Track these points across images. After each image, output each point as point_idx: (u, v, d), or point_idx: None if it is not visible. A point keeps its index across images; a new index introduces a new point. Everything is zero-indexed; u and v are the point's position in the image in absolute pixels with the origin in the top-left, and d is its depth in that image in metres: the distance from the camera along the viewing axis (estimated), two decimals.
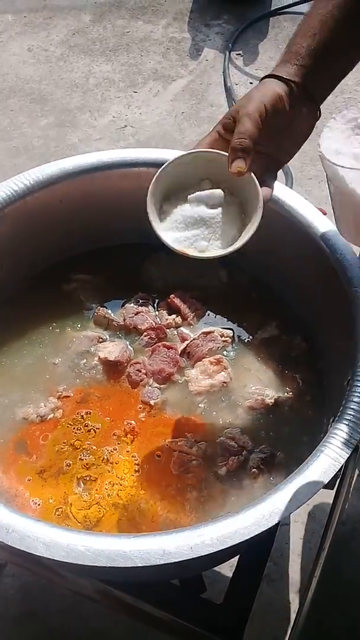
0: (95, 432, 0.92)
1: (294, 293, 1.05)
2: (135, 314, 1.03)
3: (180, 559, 0.64)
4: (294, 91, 0.73)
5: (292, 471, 0.72)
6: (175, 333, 1.03)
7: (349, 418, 0.75)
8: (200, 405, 0.95)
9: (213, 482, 0.87)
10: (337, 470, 0.72)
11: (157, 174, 0.76)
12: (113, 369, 0.98)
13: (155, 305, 1.07)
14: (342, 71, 0.76)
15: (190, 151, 0.76)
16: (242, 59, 2.30)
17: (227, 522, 0.67)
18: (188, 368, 0.99)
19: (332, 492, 0.89)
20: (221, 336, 1.01)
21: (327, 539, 0.85)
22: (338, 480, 0.84)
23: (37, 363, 0.99)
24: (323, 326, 0.99)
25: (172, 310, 1.05)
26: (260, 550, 0.89)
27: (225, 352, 1.00)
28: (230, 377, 0.97)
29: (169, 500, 0.85)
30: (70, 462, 0.89)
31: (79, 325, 1.04)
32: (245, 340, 1.03)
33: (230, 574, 0.90)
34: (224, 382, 0.96)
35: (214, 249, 0.78)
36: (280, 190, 0.98)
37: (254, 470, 0.88)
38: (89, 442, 0.91)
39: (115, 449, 0.90)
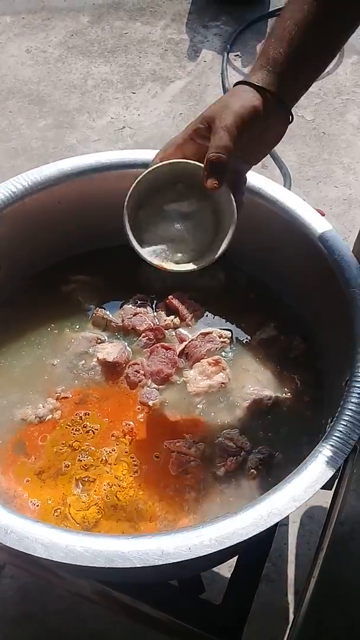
0: (93, 433, 0.92)
1: (292, 294, 1.05)
2: (134, 315, 1.03)
3: (179, 560, 0.64)
4: (269, 100, 0.73)
5: (291, 472, 0.73)
6: (174, 334, 1.03)
7: (347, 419, 0.75)
8: (198, 406, 0.95)
9: (211, 482, 0.88)
10: (335, 470, 0.72)
11: (134, 186, 0.76)
12: (111, 370, 0.98)
13: (153, 306, 1.07)
14: (314, 75, 0.75)
15: (168, 161, 0.76)
16: (241, 60, 2.31)
17: (226, 523, 0.67)
18: (186, 369, 0.99)
19: (331, 493, 0.89)
20: (219, 337, 1.01)
21: (326, 539, 0.85)
22: (336, 480, 0.84)
23: (36, 364, 0.99)
24: (322, 327, 0.99)
25: (171, 311, 1.05)
26: (259, 551, 0.89)
27: (223, 353, 1.01)
28: (229, 378, 0.97)
29: (167, 501, 0.85)
30: (69, 463, 0.89)
31: (78, 327, 1.04)
32: (244, 341, 1.03)
33: (229, 575, 0.90)
34: (223, 383, 0.96)
35: (189, 261, 0.80)
36: (278, 191, 0.99)
37: (253, 470, 0.88)
38: (87, 443, 0.91)
39: (114, 450, 0.90)
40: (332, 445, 0.73)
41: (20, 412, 0.94)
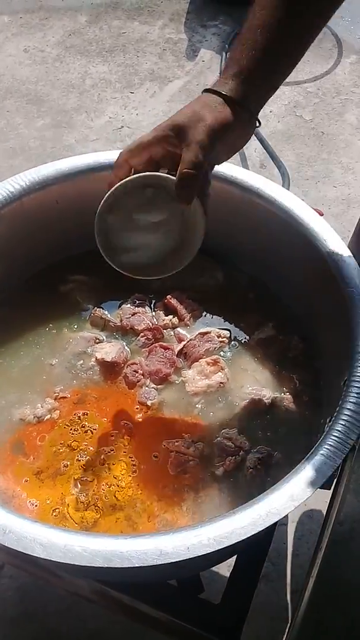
0: (92, 433, 0.92)
1: (291, 293, 1.05)
2: (132, 315, 1.03)
3: (177, 559, 0.64)
4: (238, 111, 0.72)
5: (289, 471, 0.73)
6: (172, 334, 1.03)
7: (345, 418, 0.75)
8: (197, 405, 0.95)
9: (210, 482, 0.88)
10: (334, 470, 0.72)
11: (107, 197, 0.76)
12: (110, 369, 0.98)
13: (152, 306, 1.07)
14: (281, 79, 0.75)
15: (142, 175, 0.75)
16: None
17: (224, 522, 0.67)
18: (185, 369, 0.99)
19: (330, 492, 0.89)
20: (218, 337, 1.01)
21: (325, 538, 0.85)
22: (335, 480, 0.84)
23: (34, 364, 0.99)
24: (320, 326, 0.99)
25: (169, 310, 1.05)
26: (258, 551, 0.89)
27: (222, 353, 1.01)
28: (227, 378, 0.97)
29: (166, 501, 0.85)
30: (68, 463, 0.89)
31: (76, 326, 1.04)
32: (242, 341, 1.03)
33: (228, 574, 0.90)
34: (221, 383, 0.96)
35: (155, 265, 0.83)
36: (276, 191, 0.99)
37: (251, 470, 0.88)
38: (86, 443, 0.91)
39: (113, 450, 0.90)
40: (330, 445, 0.73)
41: (18, 412, 0.94)
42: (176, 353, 0.99)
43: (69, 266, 1.10)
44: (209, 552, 0.65)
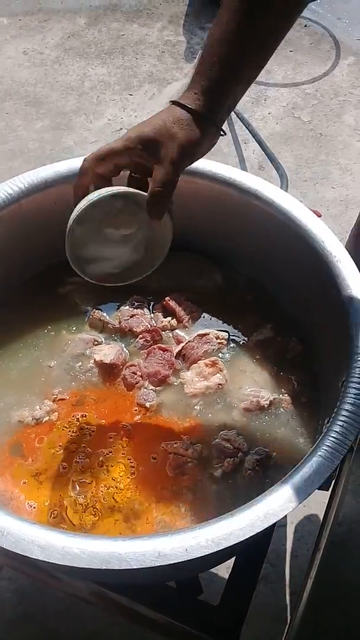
0: (90, 435, 0.92)
1: (289, 295, 1.05)
2: (131, 317, 1.03)
3: (176, 561, 0.64)
4: (206, 125, 0.72)
5: (288, 472, 0.73)
6: (171, 335, 1.03)
7: (343, 419, 0.75)
8: (195, 407, 0.95)
9: (208, 483, 0.88)
10: (332, 471, 0.72)
11: (78, 214, 0.75)
12: (108, 371, 0.98)
13: (150, 307, 1.07)
14: (245, 88, 0.74)
15: (113, 191, 0.74)
16: None
17: (223, 524, 0.67)
18: (183, 370, 0.99)
19: (328, 494, 0.89)
20: (216, 338, 1.01)
21: (323, 539, 0.85)
22: (333, 481, 0.84)
23: (33, 366, 0.99)
24: (318, 328, 0.99)
25: (168, 312, 1.05)
26: (257, 552, 0.89)
27: (220, 354, 1.01)
28: (226, 379, 0.97)
29: (164, 503, 0.85)
30: (66, 465, 0.89)
31: (74, 328, 1.04)
32: (241, 342, 1.03)
33: (226, 576, 0.90)
34: (220, 384, 0.96)
35: (126, 274, 0.84)
36: (274, 193, 0.99)
37: (250, 471, 0.88)
38: (84, 445, 0.91)
39: (111, 452, 0.90)
40: (328, 446, 0.73)
41: (17, 414, 0.94)
42: (175, 355, 0.99)
43: (67, 268, 1.09)
44: (207, 553, 0.65)
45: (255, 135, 1.95)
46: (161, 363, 0.98)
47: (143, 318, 1.03)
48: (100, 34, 2.45)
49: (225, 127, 0.75)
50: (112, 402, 0.95)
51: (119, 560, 0.64)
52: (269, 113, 2.16)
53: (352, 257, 0.90)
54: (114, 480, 0.87)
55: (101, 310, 1.05)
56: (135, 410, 0.94)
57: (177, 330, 1.03)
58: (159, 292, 1.07)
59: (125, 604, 0.87)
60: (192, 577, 0.91)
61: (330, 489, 0.86)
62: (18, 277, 1.08)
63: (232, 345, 1.02)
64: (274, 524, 0.68)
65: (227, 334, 1.03)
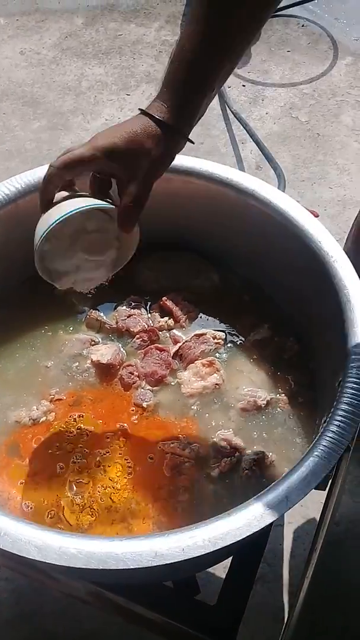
0: (87, 435, 0.92)
1: (286, 295, 1.06)
2: (128, 317, 1.03)
3: (172, 561, 0.64)
4: (175, 137, 0.72)
5: (285, 472, 0.73)
6: (168, 335, 1.03)
7: (340, 419, 0.75)
8: (192, 407, 0.95)
9: (205, 483, 0.88)
10: (329, 470, 0.72)
11: (48, 231, 0.74)
12: (105, 371, 0.98)
13: (147, 307, 1.07)
14: (213, 96, 0.74)
15: (86, 207, 0.73)
16: None
17: (219, 524, 0.67)
18: (180, 370, 0.99)
19: (325, 493, 0.89)
20: (213, 338, 1.01)
21: (320, 539, 0.85)
22: (330, 480, 0.84)
23: (30, 366, 0.99)
24: (315, 328, 0.99)
25: (165, 312, 1.05)
26: (254, 552, 0.89)
27: (217, 354, 1.01)
28: (223, 379, 0.97)
29: (161, 502, 0.85)
30: (63, 465, 0.89)
31: (72, 328, 1.04)
32: (238, 342, 1.03)
33: (223, 575, 0.90)
34: (217, 384, 0.96)
35: (94, 275, 0.86)
36: (271, 193, 0.99)
37: (247, 471, 0.88)
38: (81, 445, 0.91)
39: (108, 452, 0.90)
40: (325, 446, 0.73)
41: (14, 414, 0.94)
42: (172, 355, 0.99)
43: None
44: (204, 553, 0.65)
45: (252, 135, 1.95)
46: (158, 363, 0.98)
47: (140, 318, 1.03)
48: (98, 34, 2.45)
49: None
50: (109, 402, 0.95)
51: (116, 560, 0.64)
52: (267, 113, 2.16)
53: (351, 260, 0.90)
54: (111, 480, 0.87)
55: (98, 311, 1.05)
56: (133, 411, 0.94)
57: (174, 330, 1.04)
58: (156, 292, 1.07)
59: (122, 604, 0.87)
60: (189, 577, 0.91)
61: (327, 489, 0.86)
62: (16, 278, 1.07)
63: (229, 345, 1.03)
64: (270, 524, 0.68)
65: (224, 334, 1.03)
